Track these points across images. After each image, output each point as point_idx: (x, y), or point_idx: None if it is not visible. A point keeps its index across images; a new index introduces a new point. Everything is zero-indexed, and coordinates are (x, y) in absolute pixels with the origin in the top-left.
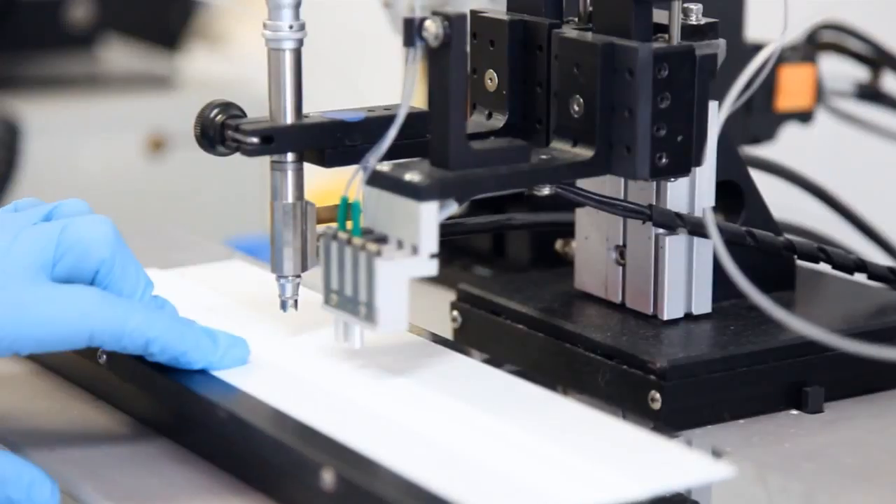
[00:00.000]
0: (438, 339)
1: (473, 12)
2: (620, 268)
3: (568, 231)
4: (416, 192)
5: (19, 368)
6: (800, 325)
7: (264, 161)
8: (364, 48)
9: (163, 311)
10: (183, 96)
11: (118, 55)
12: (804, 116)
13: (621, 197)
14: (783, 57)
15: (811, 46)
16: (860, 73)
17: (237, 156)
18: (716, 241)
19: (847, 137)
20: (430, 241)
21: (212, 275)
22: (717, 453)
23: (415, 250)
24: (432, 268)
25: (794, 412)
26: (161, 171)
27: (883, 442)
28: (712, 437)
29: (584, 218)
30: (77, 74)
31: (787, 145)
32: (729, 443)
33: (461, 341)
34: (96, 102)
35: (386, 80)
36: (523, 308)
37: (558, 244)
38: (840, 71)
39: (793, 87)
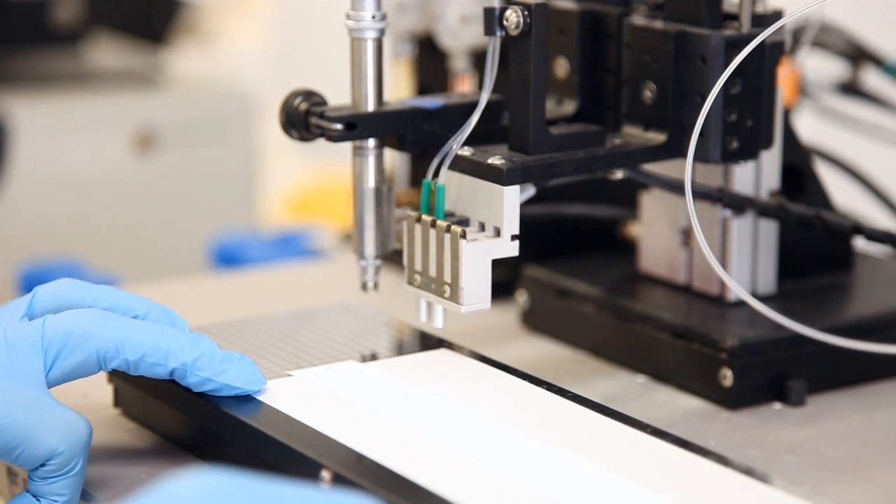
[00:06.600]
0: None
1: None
2: (685, 250)
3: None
4: (499, 176)
5: None
6: (790, 324)
7: (250, 157)
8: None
9: None
10: (169, 94)
11: (105, 53)
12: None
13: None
14: None
15: (793, 42)
16: (841, 68)
17: (221, 152)
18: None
19: (827, 132)
20: (512, 222)
21: (416, 366)
22: (704, 451)
23: (497, 232)
24: (514, 249)
25: (777, 406)
26: (147, 168)
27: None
28: (696, 431)
29: (650, 202)
30: (64, 72)
31: None
32: (713, 436)
33: (529, 324)
34: (83, 100)
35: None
36: (590, 289)
37: (622, 228)
38: (821, 66)
39: None
